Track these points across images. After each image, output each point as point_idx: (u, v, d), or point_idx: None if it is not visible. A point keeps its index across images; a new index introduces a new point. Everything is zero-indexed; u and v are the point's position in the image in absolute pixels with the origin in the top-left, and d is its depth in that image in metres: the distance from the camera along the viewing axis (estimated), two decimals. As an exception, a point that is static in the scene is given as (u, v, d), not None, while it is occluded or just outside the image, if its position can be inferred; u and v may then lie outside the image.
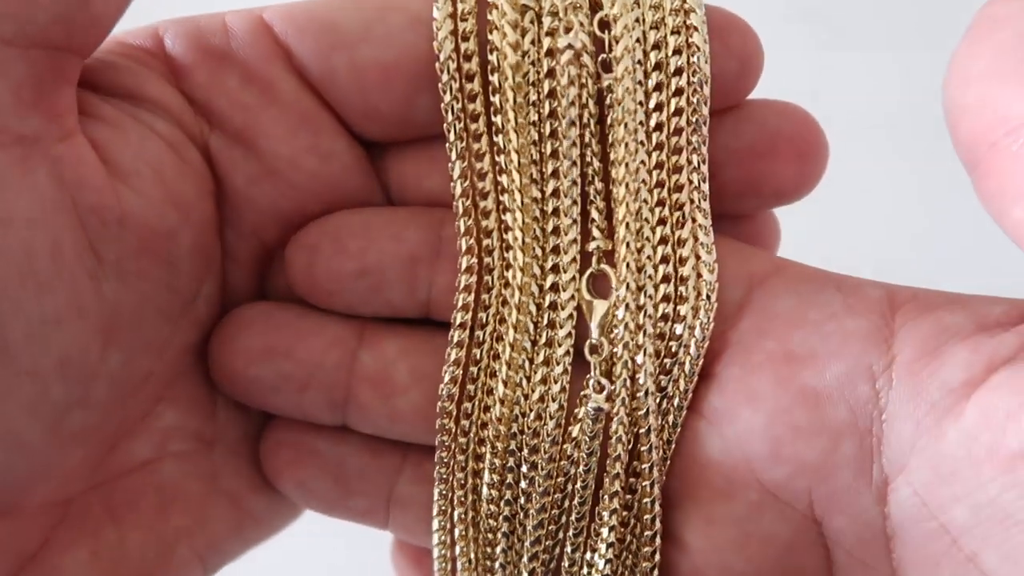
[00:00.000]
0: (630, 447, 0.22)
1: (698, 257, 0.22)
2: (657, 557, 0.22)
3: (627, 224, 0.22)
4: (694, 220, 0.22)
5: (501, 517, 0.23)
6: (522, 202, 0.22)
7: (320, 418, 0.23)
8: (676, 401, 0.22)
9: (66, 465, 0.21)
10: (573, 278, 0.22)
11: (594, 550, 0.23)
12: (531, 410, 0.22)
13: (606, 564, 0.22)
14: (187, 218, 0.21)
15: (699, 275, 0.22)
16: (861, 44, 0.53)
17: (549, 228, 0.22)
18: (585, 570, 0.23)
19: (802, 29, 0.53)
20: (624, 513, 0.22)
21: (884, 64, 0.52)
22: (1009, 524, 0.19)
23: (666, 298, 0.22)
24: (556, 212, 0.22)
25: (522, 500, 0.23)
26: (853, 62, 0.52)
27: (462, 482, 0.23)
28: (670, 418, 0.22)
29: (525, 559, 0.23)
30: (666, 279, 0.22)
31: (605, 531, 0.22)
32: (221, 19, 0.22)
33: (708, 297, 0.22)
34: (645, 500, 0.22)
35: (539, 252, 0.22)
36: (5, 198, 0.18)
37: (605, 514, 0.22)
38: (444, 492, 0.23)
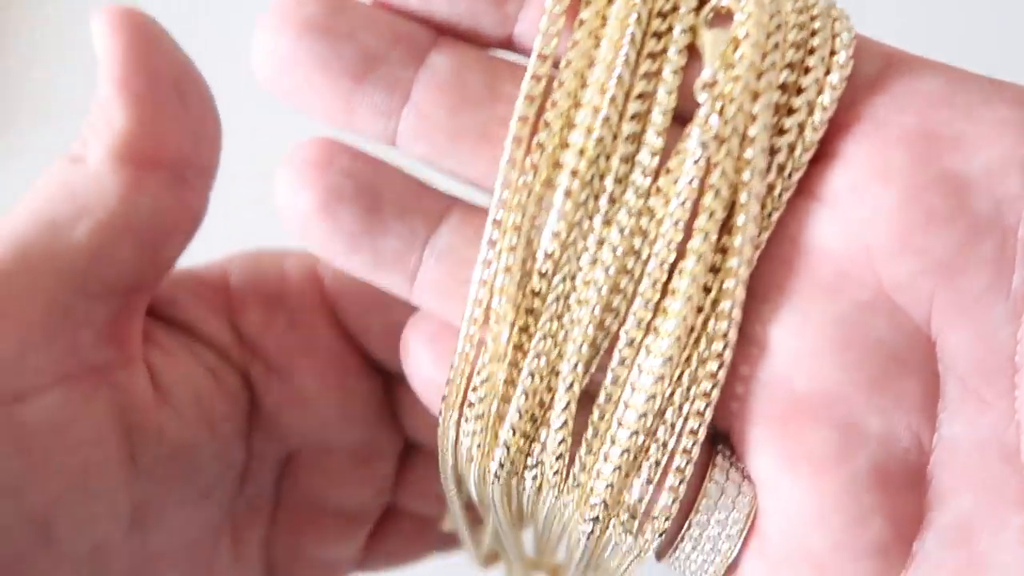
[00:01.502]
0: (727, 212, 0.19)
1: (833, 17, 0.19)
2: (728, 354, 0.19)
3: None
4: None
5: (559, 275, 0.19)
6: None
7: (373, 118, 0.20)
8: (788, 171, 0.19)
9: None
10: (692, 11, 0.19)
11: (656, 332, 0.19)
12: (616, 151, 0.19)
13: (670, 346, 0.19)
14: (214, 433, 0.24)
15: (834, 28, 0.19)
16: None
17: None
18: (642, 356, 0.19)
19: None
20: (704, 290, 0.19)
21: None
22: None
23: (795, 44, 0.19)
24: None
25: (588, 255, 0.19)
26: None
27: (517, 225, 0.19)
28: (776, 190, 0.19)
29: (576, 331, 0.19)
30: (800, 26, 0.19)
31: (677, 305, 0.19)
32: (280, 264, 0.25)
33: (843, 51, 0.19)
34: (728, 282, 0.19)
35: None
36: (72, 425, 0.21)
37: (684, 281, 0.19)
38: (494, 238, 0.19)
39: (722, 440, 0.21)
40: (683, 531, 0.20)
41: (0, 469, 0.20)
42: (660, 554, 0.21)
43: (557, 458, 0.20)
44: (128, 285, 0.22)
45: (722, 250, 0.19)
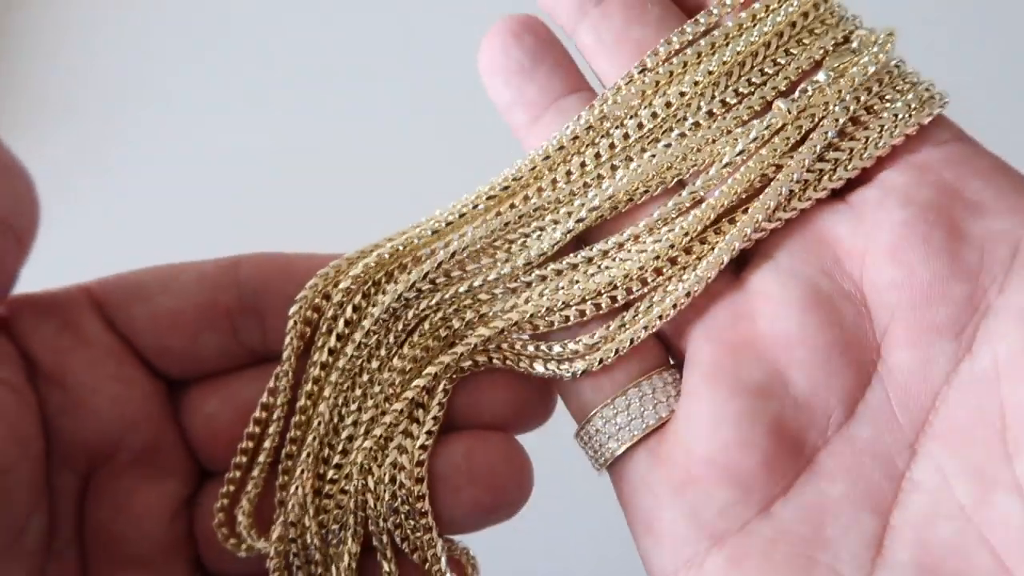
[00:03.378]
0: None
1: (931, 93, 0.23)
2: (699, 287, 0.23)
3: None
4: None
5: None
6: None
7: None
8: (839, 167, 0.23)
9: None
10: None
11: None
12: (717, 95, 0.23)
13: (657, 254, 0.23)
14: (26, 452, 0.22)
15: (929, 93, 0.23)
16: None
17: None
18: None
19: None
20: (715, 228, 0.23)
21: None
22: None
23: (897, 90, 0.23)
24: None
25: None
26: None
27: None
28: (825, 178, 0.23)
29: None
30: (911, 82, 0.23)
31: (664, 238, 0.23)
32: (52, 291, 0.25)
33: (927, 109, 0.22)
34: (728, 235, 0.23)
35: None
36: None
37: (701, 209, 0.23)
38: None
39: (677, 366, 0.24)
40: (598, 409, 0.23)
41: None
42: (579, 418, 0.24)
43: None
44: None
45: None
